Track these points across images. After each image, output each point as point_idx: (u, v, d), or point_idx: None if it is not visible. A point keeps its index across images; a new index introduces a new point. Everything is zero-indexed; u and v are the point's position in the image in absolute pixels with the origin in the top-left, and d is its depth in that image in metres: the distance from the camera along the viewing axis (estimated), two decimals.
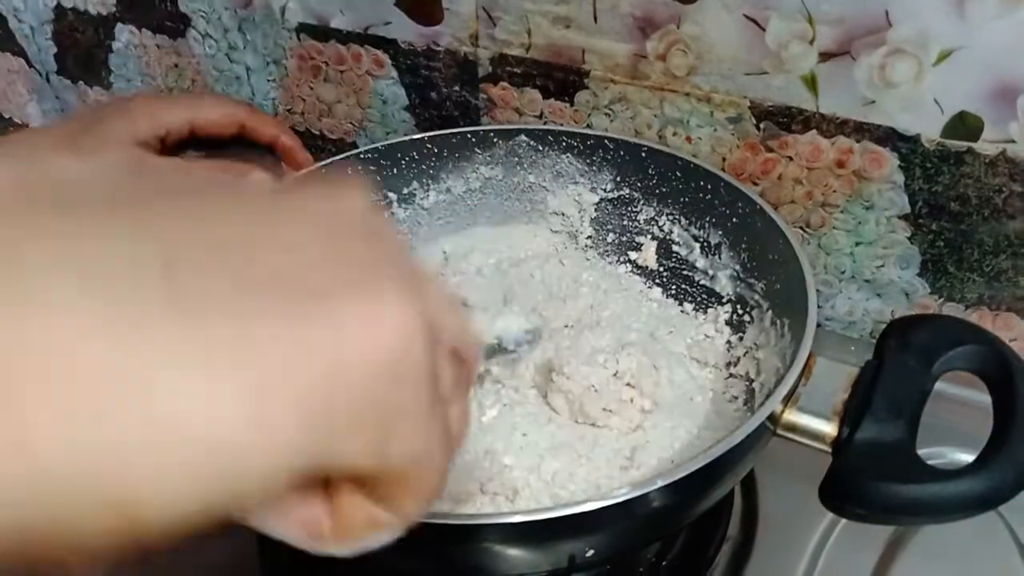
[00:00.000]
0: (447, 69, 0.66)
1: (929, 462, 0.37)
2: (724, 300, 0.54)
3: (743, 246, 0.53)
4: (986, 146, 0.50)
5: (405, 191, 0.61)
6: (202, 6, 0.74)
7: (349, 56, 0.69)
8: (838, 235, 0.58)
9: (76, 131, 0.53)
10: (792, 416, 0.40)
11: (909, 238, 0.56)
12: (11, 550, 0.15)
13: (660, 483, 0.35)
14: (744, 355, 0.50)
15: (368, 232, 0.20)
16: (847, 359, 0.42)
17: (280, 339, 0.16)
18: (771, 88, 0.55)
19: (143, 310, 0.15)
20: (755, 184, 0.59)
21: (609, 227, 0.60)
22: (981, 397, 0.39)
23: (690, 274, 0.57)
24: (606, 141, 0.58)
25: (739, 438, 0.36)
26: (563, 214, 0.61)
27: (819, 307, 0.61)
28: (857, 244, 0.58)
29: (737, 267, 0.53)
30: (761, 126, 0.56)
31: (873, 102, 0.52)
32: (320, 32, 0.69)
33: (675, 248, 0.58)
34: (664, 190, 0.57)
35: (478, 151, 0.60)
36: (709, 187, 0.55)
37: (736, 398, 0.49)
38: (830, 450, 0.39)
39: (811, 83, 0.53)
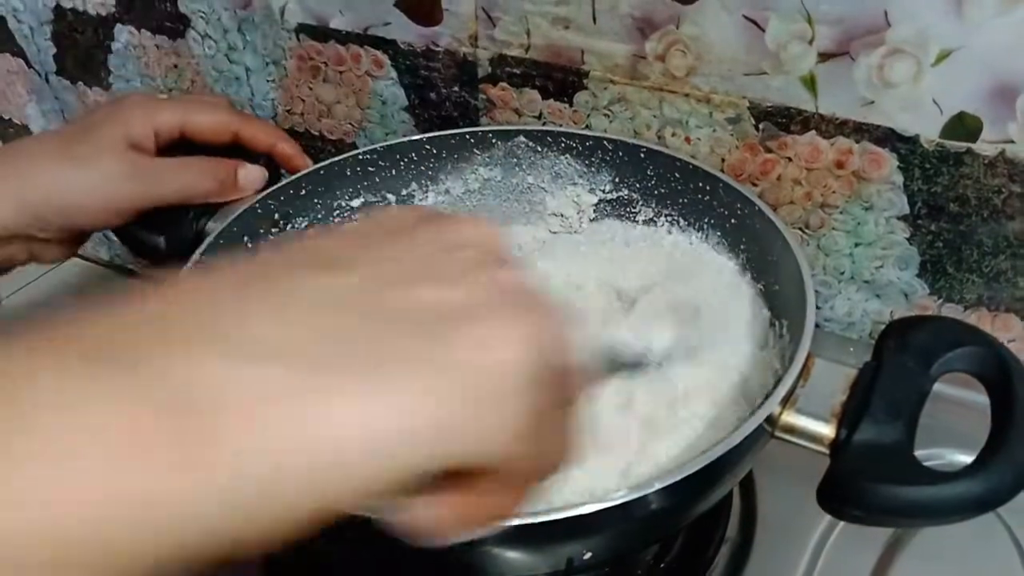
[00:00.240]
0: (446, 70, 0.66)
1: (927, 464, 0.37)
2: None
3: (742, 247, 0.53)
4: (985, 147, 0.50)
5: (404, 192, 0.61)
6: (201, 7, 0.74)
7: (348, 57, 0.69)
8: (837, 236, 0.58)
9: (71, 139, 0.53)
10: (790, 418, 0.40)
11: (908, 239, 0.56)
12: (221, 546, 0.20)
13: (658, 485, 0.35)
14: None
15: (492, 264, 0.25)
16: (846, 360, 0.42)
17: (424, 363, 0.21)
18: (770, 89, 0.55)
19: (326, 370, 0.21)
20: (754, 185, 0.59)
21: None
22: (979, 398, 0.39)
23: None
24: (605, 142, 0.58)
25: (737, 440, 0.36)
26: (562, 215, 0.61)
27: (818, 308, 0.61)
28: (856, 245, 0.58)
29: (735, 268, 0.53)
30: (760, 127, 0.56)
31: (872, 103, 0.52)
32: (319, 32, 0.69)
33: None
34: (663, 191, 0.57)
35: (477, 152, 0.60)
36: (708, 188, 0.55)
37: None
38: (828, 452, 0.39)
39: (810, 84, 0.53)
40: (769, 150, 0.57)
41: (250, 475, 0.19)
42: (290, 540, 0.21)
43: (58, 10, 0.83)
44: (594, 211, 0.60)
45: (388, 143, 0.60)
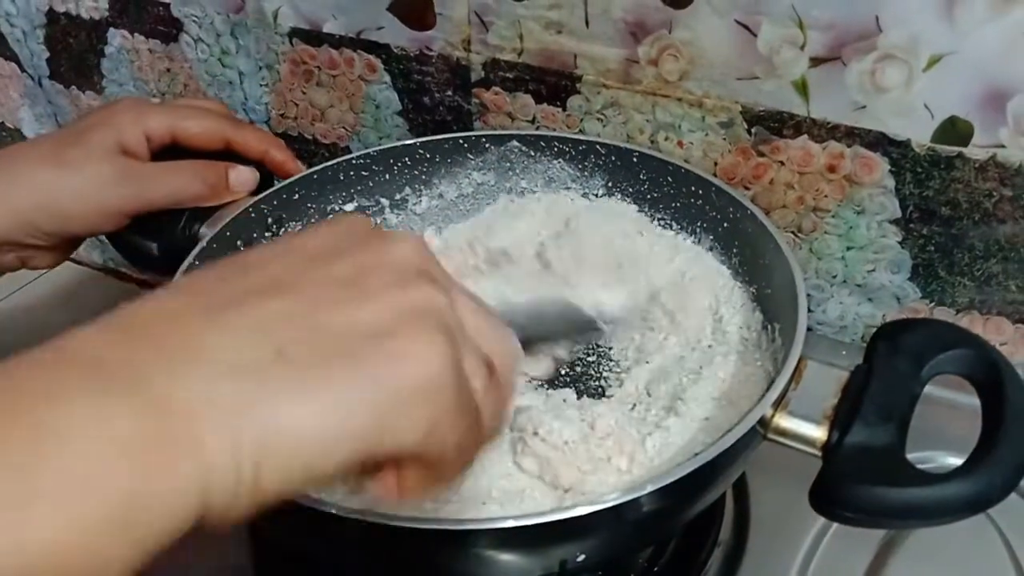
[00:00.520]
0: (440, 74, 0.66)
1: (918, 466, 0.37)
2: None
3: (734, 251, 0.53)
4: (976, 151, 0.51)
5: (397, 197, 0.61)
6: (195, 11, 0.74)
7: (342, 61, 0.69)
8: (829, 239, 0.59)
9: (62, 144, 0.53)
10: (782, 420, 0.40)
11: (900, 243, 0.56)
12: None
13: (650, 488, 0.35)
14: None
15: (410, 282, 0.29)
16: (839, 363, 0.42)
17: (353, 376, 0.26)
18: (762, 93, 0.55)
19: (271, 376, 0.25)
20: (747, 189, 0.59)
21: None
22: (970, 400, 0.39)
23: None
24: (597, 146, 0.58)
25: (729, 442, 0.36)
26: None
27: (811, 311, 0.62)
28: (848, 248, 0.58)
29: (728, 271, 0.54)
30: (752, 131, 0.57)
31: (864, 107, 0.52)
32: (313, 37, 0.69)
33: None
34: (655, 195, 0.57)
35: (470, 156, 0.61)
36: (700, 192, 0.55)
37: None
38: (820, 454, 0.39)
39: (802, 88, 0.53)
40: (761, 154, 0.57)
41: (230, 466, 0.23)
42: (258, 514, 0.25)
43: (51, 14, 0.83)
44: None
45: (382, 147, 0.60)
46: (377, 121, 0.71)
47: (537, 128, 0.64)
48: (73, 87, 0.88)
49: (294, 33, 0.70)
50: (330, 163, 0.58)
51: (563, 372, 0.51)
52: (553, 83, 0.62)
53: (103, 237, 0.56)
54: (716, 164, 0.59)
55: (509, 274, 0.57)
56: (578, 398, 0.47)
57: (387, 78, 0.68)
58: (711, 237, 0.55)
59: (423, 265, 0.30)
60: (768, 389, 0.39)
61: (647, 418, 0.45)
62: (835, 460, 0.38)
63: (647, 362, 0.51)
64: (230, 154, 0.57)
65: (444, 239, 0.61)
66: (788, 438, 0.40)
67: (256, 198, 0.55)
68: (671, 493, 0.35)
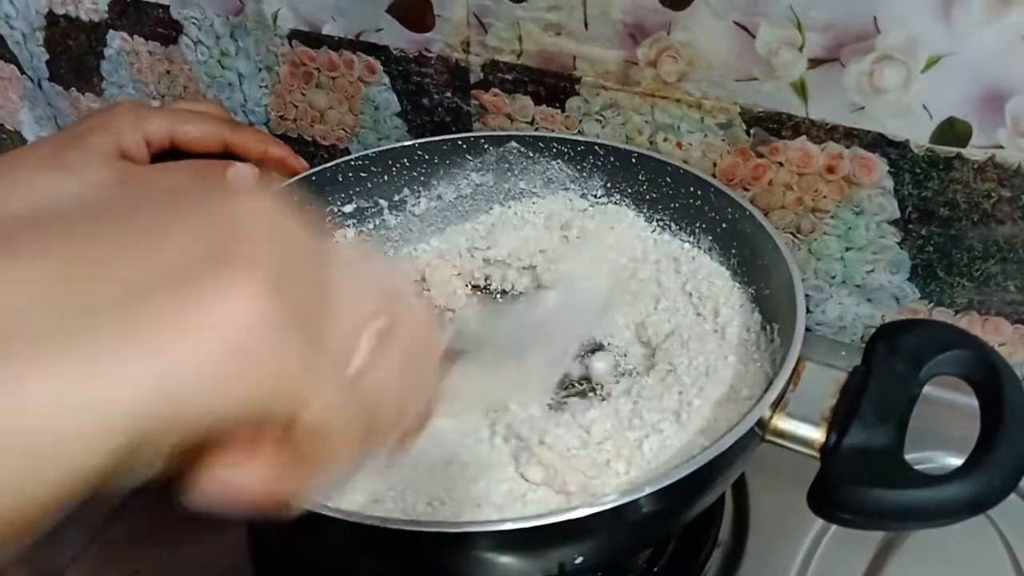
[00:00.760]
0: (439, 75, 0.66)
1: (917, 467, 0.37)
2: None
3: (733, 251, 0.53)
4: (975, 152, 0.51)
5: (396, 198, 0.61)
6: (194, 13, 0.74)
7: (341, 62, 0.69)
8: (828, 240, 0.59)
9: (61, 147, 0.53)
10: (780, 422, 0.40)
11: (899, 243, 0.56)
12: None
13: (649, 489, 0.35)
14: None
15: (242, 221, 0.22)
16: (838, 364, 0.42)
17: (159, 323, 0.20)
18: (761, 94, 0.55)
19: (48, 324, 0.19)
20: (746, 190, 0.59)
21: None
22: (969, 401, 0.39)
23: None
24: (596, 147, 0.58)
25: (727, 444, 0.36)
26: None
27: (810, 312, 0.62)
28: (847, 249, 0.58)
29: (727, 272, 0.54)
30: (751, 132, 0.57)
31: (862, 108, 0.52)
32: (312, 39, 0.69)
33: None
34: (654, 196, 0.57)
35: (469, 158, 0.61)
36: (699, 193, 0.55)
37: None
38: (818, 456, 0.39)
39: (801, 89, 0.53)
40: (760, 155, 0.57)
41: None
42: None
43: (51, 16, 0.83)
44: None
45: (381, 148, 0.60)
46: (376, 122, 0.72)
47: (536, 129, 0.64)
48: (73, 89, 0.88)
49: (293, 35, 0.70)
50: (329, 164, 0.58)
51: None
52: (552, 84, 0.62)
53: None
54: (715, 165, 0.59)
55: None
56: (568, 401, 0.48)
57: (386, 80, 0.68)
58: (710, 238, 0.55)
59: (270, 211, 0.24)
60: (766, 390, 0.39)
61: (644, 421, 0.45)
62: (833, 462, 0.38)
63: (645, 363, 0.51)
64: (230, 156, 0.57)
65: (444, 240, 0.61)
66: (786, 439, 0.40)
67: None
68: (669, 495, 0.35)
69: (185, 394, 0.20)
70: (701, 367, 0.49)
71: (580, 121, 0.62)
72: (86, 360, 0.19)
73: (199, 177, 0.54)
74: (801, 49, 0.52)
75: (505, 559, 0.37)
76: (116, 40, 0.81)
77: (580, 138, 0.60)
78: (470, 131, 0.66)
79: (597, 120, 0.62)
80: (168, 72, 0.80)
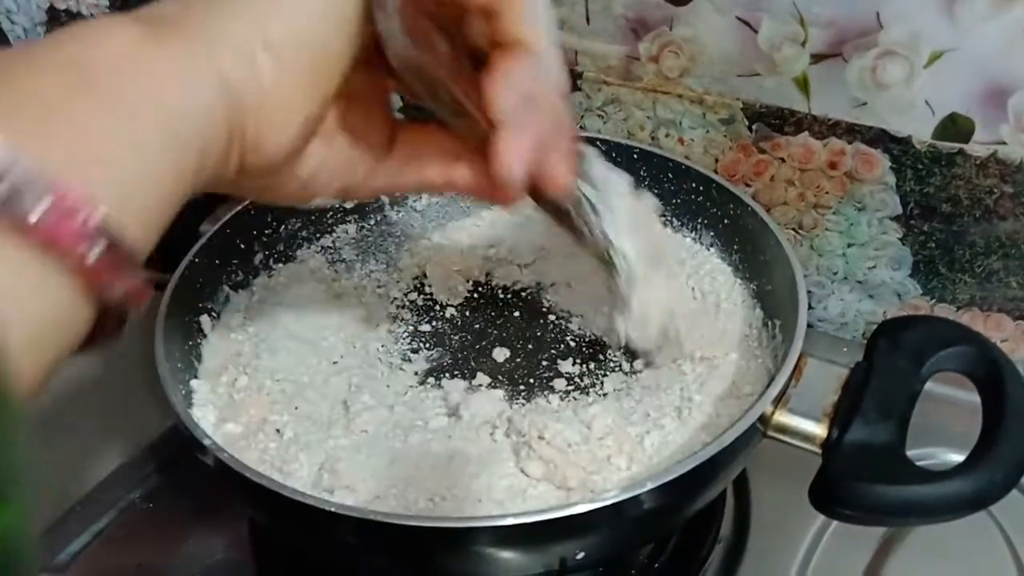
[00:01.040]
0: None
1: (919, 463, 0.37)
2: None
3: (735, 247, 0.53)
4: (977, 148, 0.51)
5: (397, 194, 0.61)
6: None
7: None
8: (830, 236, 0.59)
9: None
10: (782, 417, 0.40)
11: (901, 239, 0.56)
12: None
13: (650, 485, 0.35)
14: None
15: None
16: (839, 360, 0.42)
17: None
18: (763, 90, 0.55)
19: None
20: (747, 186, 0.59)
21: None
22: (970, 397, 0.39)
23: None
24: (597, 143, 0.58)
25: (729, 439, 0.36)
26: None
27: (812, 308, 0.62)
28: (849, 245, 0.58)
29: (728, 268, 0.54)
30: (753, 128, 0.57)
31: (865, 104, 0.52)
32: None
33: None
34: (656, 191, 0.57)
35: None
36: (701, 189, 0.55)
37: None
38: (820, 452, 0.39)
39: (803, 85, 0.53)
40: (762, 151, 0.57)
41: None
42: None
43: (52, 11, 0.83)
44: None
45: None
46: None
47: None
48: None
49: None
50: None
51: (562, 372, 0.51)
52: None
53: None
54: (717, 161, 0.59)
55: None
56: (569, 397, 0.48)
57: None
58: (712, 234, 0.55)
59: None
60: (768, 386, 0.40)
61: (646, 416, 0.45)
62: (835, 457, 0.38)
63: (645, 360, 0.51)
64: None
65: (445, 236, 0.61)
66: (788, 435, 0.40)
67: None
68: (671, 491, 0.35)
69: None
70: (703, 363, 0.49)
71: (582, 116, 0.62)
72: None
73: None
74: (803, 44, 0.52)
75: (506, 554, 0.37)
76: None
77: (582, 133, 0.60)
78: None
79: (599, 115, 0.62)
80: None
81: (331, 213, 0.59)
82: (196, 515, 0.51)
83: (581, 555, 0.38)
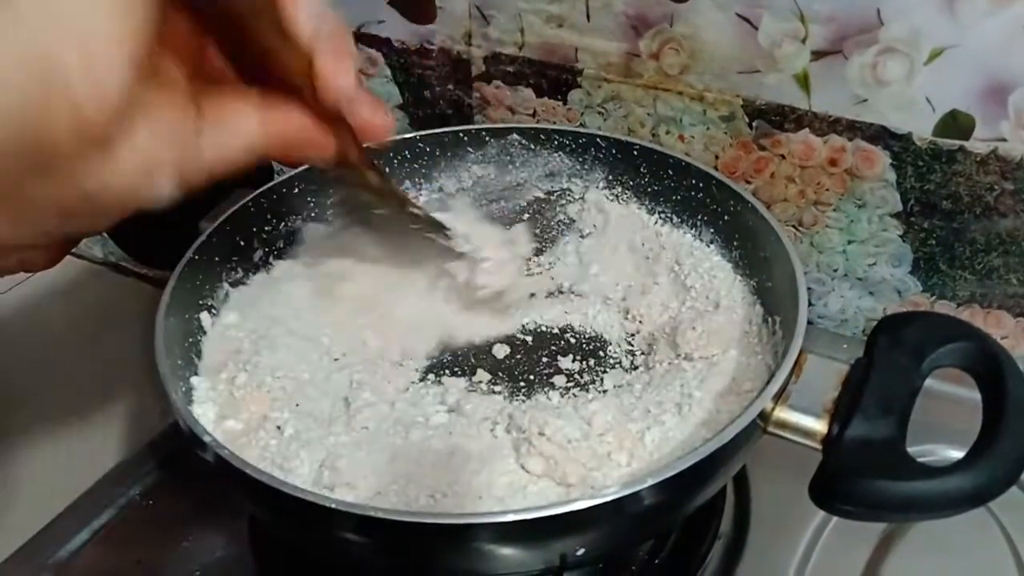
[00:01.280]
0: (440, 68, 0.66)
1: (919, 459, 0.37)
2: None
3: (735, 244, 0.53)
4: (977, 144, 0.51)
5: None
6: None
7: None
8: (831, 233, 0.59)
9: None
10: (782, 413, 0.40)
11: (901, 236, 0.56)
12: None
13: (651, 481, 0.35)
14: None
15: None
16: (839, 357, 0.42)
17: None
18: (764, 87, 0.55)
19: None
20: (748, 183, 0.59)
21: None
22: (971, 393, 0.39)
23: None
24: (598, 140, 0.58)
25: (729, 435, 0.36)
26: None
27: (812, 305, 0.62)
28: (849, 242, 0.58)
29: (728, 265, 0.54)
30: (754, 124, 0.57)
31: (865, 100, 0.52)
32: None
33: None
34: (656, 188, 0.57)
35: (470, 150, 0.60)
36: (701, 185, 0.55)
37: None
38: (820, 448, 0.39)
39: (803, 82, 0.53)
40: (763, 148, 0.57)
41: None
42: None
43: None
44: None
45: None
46: None
47: (538, 122, 0.64)
48: None
49: None
50: None
51: (562, 369, 0.51)
52: (554, 77, 0.62)
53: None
54: (717, 158, 0.59)
55: None
56: (569, 393, 0.48)
57: (387, 72, 0.68)
58: (712, 231, 0.55)
59: None
60: (768, 382, 0.39)
61: (646, 413, 0.45)
62: (835, 453, 0.38)
63: (647, 355, 0.51)
64: None
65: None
66: (788, 431, 0.40)
67: (256, 192, 0.55)
68: (671, 487, 0.35)
69: None
70: (703, 360, 0.49)
71: (582, 114, 0.62)
72: None
73: None
74: (804, 41, 0.52)
75: (507, 551, 0.37)
76: None
77: (582, 131, 0.60)
78: (471, 123, 0.66)
79: (599, 113, 0.62)
80: None
81: (331, 209, 0.59)
82: (196, 512, 0.51)
83: (581, 551, 0.38)
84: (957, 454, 0.37)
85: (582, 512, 0.34)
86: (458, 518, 0.36)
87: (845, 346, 0.60)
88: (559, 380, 0.49)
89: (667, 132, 0.60)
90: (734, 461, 0.40)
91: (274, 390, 0.46)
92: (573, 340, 0.52)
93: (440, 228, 0.48)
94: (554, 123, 0.64)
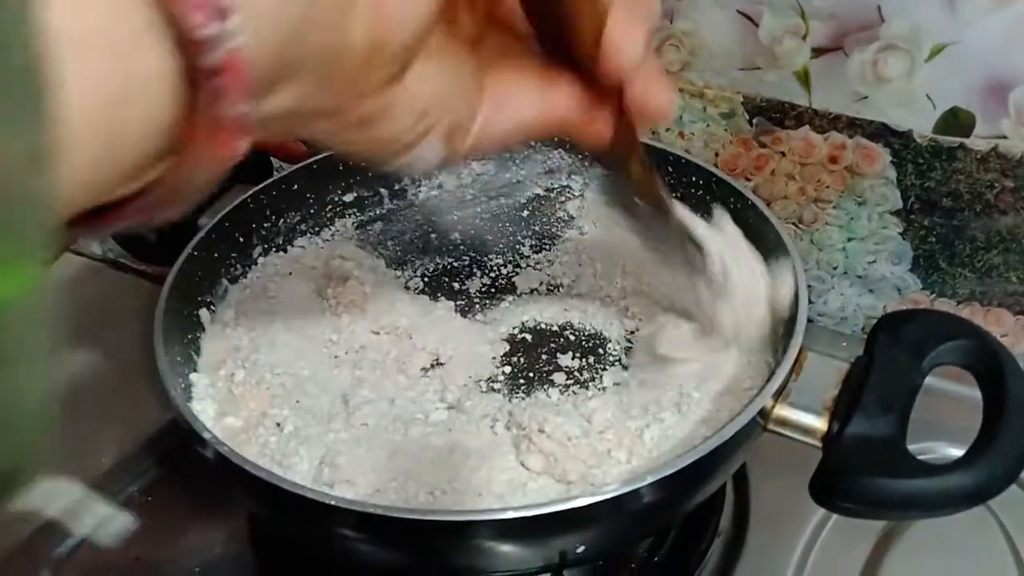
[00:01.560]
0: None
1: (919, 457, 0.37)
2: None
3: None
4: (978, 142, 0.51)
5: (396, 187, 0.61)
6: None
7: None
8: (831, 231, 0.58)
9: None
10: (783, 411, 0.40)
11: (901, 234, 0.56)
12: None
13: (651, 479, 0.35)
14: None
15: None
16: (839, 354, 0.42)
17: None
18: (764, 84, 0.55)
19: None
20: (748, 180, 0.59)
21: None
22: (971, 391, 0.39)
23: None
24: None
25: (729, 433, 0.36)
26: None
27: (811, 303, 0.62)
28: (849, 240, 0.58)
29: None
30: (754, 122, 0.57)
31: (866, 98, 0.52)
32: None
33: None
34: None
35: None
36: (701, 183, 0.55)
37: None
38: (820, 445, 0.39)
39: (804, 79, 0.53)
40: (763, 145, 0.57)
41: None
42: None
43: None
44: None
45: None
46: None
47: None
48: None
49: None
50: (329, 153, 0.58)
51: (561, 365, 0.51)
52: None
53: None
54: (717, 155, 0.59)
55: None
56: (569, 390, 0.47)
57: None
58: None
59: None
60: (768, 380, 0.39)
61: (646, 410, 0.45)
62: (835, 451, 0.38)
63: (647, 353, 0.51)
64: None
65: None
66: (788, 429, 0.40)
67: (255, 188, 0.55)
68: (671, 484, 0.35)
69: None
70: (702, 357, 0.49)
71: None
72: None
73: None
74: (804, 38, 0.52)
75: (507, 548, 0.37)
76: None
77: None
78: None
79: None
80: None
81: (330, 207, 0.59)
82: (195, 509, 0.51)
83: (581, 548, 0.38)
84: (957, 452, 0.37)
85: (582, 509, 0.34)
86: (458, 515, 0.36)
87: (845, 344, 0.60)
88: (559, 377, 0.49)
89: (667, 129, 0.60)
90: (734, 459, 0.40)
91: (273, 387, 0.46)
92: (573, 337, 0.52)
93: (691, 239, 0.43)
94: None
